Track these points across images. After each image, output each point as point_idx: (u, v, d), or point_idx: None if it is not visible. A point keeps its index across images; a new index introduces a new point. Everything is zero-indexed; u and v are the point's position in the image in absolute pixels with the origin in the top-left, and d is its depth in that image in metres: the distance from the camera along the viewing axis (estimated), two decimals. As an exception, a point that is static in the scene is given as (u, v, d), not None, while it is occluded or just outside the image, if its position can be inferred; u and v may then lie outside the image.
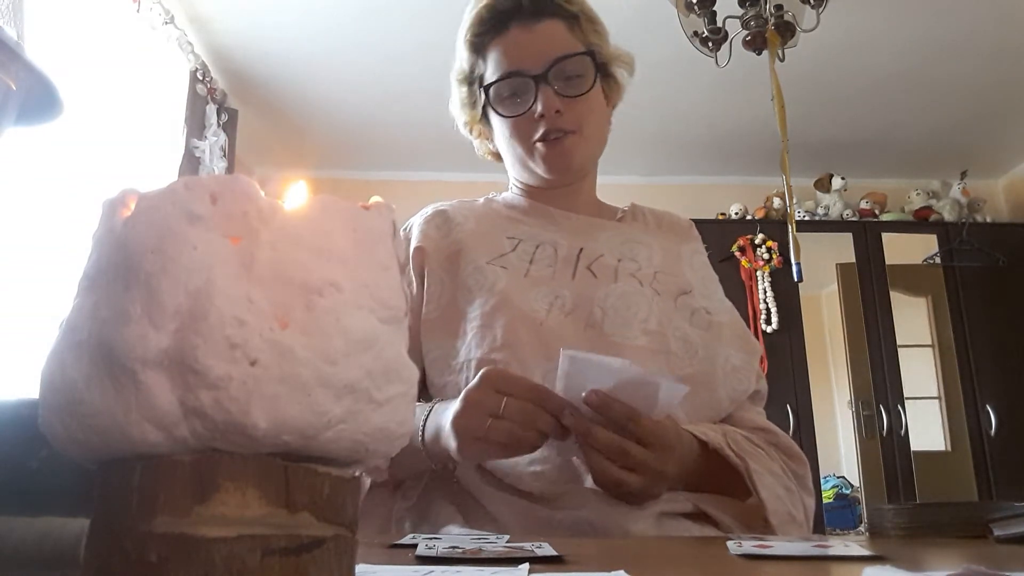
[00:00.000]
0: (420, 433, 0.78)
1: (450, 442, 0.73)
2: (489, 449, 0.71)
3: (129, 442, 0.26)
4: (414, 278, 0.93)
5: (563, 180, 0.99)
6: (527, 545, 0.49)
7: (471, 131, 1.06)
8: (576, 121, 0.94)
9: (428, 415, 0.79)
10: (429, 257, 0.93)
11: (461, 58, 1.00)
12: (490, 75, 0.96)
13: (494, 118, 0.98)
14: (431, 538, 0.55)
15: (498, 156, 1.06)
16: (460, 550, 0.46)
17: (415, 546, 0.49)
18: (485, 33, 0.96)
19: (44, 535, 0.36)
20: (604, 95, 1.00)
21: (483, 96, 0.97)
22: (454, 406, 0.73)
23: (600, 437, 0.71)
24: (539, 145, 0.95)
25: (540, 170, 0.96)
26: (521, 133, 0.95)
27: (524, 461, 0.78)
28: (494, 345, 0.83)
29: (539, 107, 0.92)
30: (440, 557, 0.44)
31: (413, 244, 0.95)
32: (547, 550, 0.46)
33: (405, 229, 1.00)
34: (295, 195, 0.30)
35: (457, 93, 1.02)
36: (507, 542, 0.52)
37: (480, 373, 0.73)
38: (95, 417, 0.26)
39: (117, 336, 0.26)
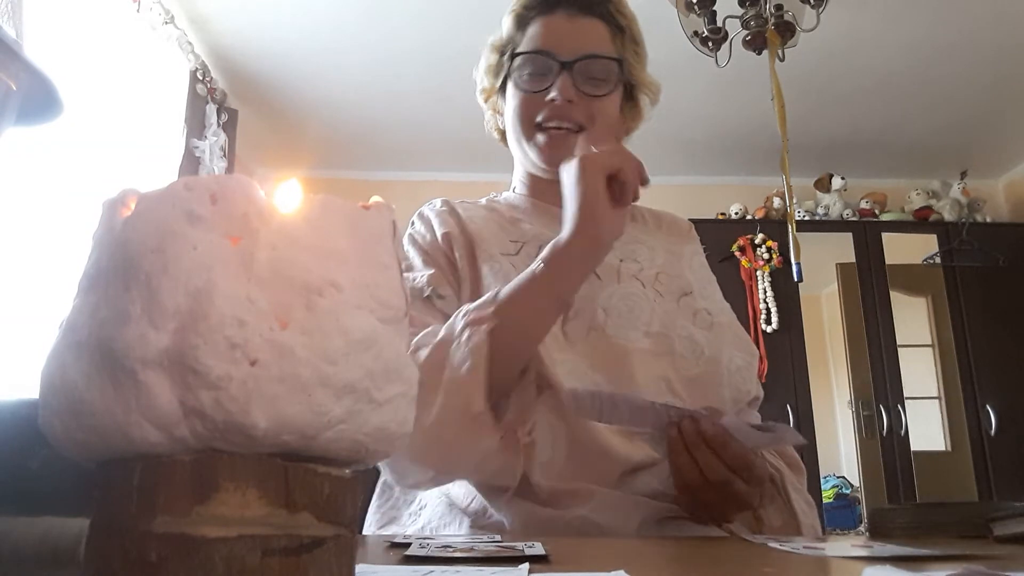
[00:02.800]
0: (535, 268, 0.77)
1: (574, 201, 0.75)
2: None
3: (129, 442, 0.26)
4: (444, 262, 0.92)
5: (555, 174, 0.99)
6: (518, 544, 0.49)
7: (486, 100, 1.05)
8: (587, 117, 0.94)
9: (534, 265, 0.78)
10: (456, 243, 0.93)
11: (503, 26, 1.00)
12: (522, 48, 0.96)
13: (509, 91, 0.98)
14: (424, 538, 0.55)
15: (504, 137, 1.06)
16: (452, 549, 0.47)
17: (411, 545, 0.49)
18: (532, 8, 0.96)
19: (44, 535, 0.36)
20: (623, 115, 1.01)
21: (508, 65, 0.97)
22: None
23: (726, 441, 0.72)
24: (539, 135, 0.95)
25: (534, 156, 0.96)
26: (528, 111, 0.95)
27: (535, 460, 0.78)
28: None
29: (554, 92, 0.92)
30: (432, 556, 0.44)
31: (440, 230, 0.94)
32: (537, 549, 0.46)
33: (421, 216, 0.99)
34: (287, 193, 0.30)
35: (486, 59, 1.02)
36: (499, 542, 0.53)
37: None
38: (95, 417, 0.26)
39: (117, 336, 0.26)
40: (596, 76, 0.93)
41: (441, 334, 0.76)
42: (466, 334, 0.74)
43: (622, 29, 0.97)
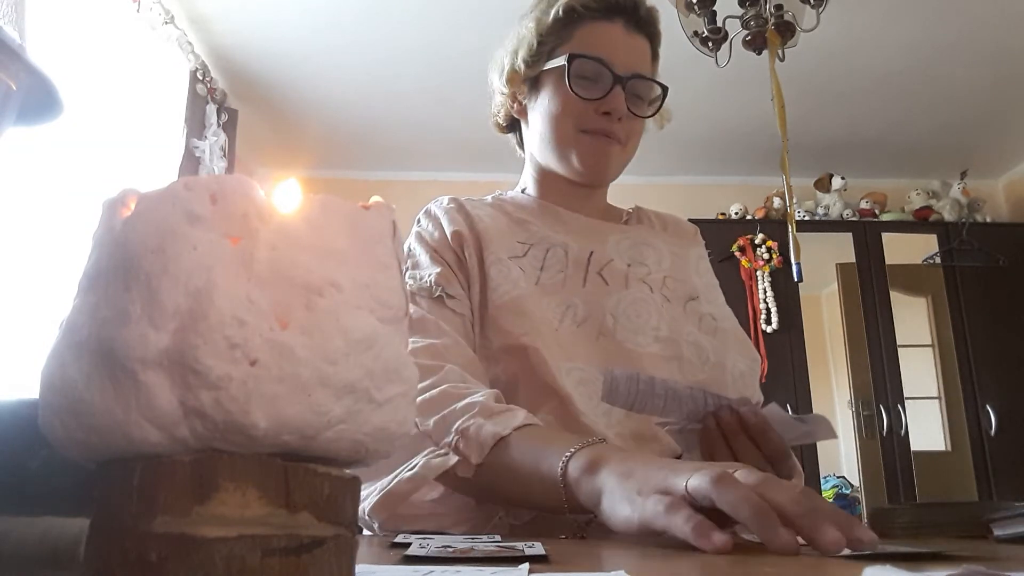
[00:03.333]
0: (562, 468, 0.64)
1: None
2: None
3: (129, 442, 0.26)
4: (453, 260, 0.91)
5: (589, 180, 0.98)
6: (518, 544, 0.49)
7: (508, 82, 1.01)
8: (627, 135, 0.95)
9: (575, 450, 0.65)
10: (467, 242, 0.92)
11: (548, 12, 0.96)
12: (576, 49, 0.94)
13: (552, 88, 0.96)
14: (424, 538, 0.55)
15: (509, 124, 1.05)
16: (452, 549, 0.47)
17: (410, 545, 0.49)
18: (591, 9, 0.94)
19: (44, 535, 0.36)
20: None
21: (560, 62, 0.94)
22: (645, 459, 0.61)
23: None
24: (584, 137, 0.94)
25: (575, 160, 0.95)
26: (571, 116, 0.94)
27: None
28: (522, 330, 0.83)
29: (613, 103, 0.92)
30: (432, 556, 0.44)
31: (449, 228, 0.93)
32: (537, 549, 0.46)
33: (428, 214, 0.97)
34: (286, 193, 0.30)
35: (526, 43, 0.98)
36: (498, 542, 0.53)
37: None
38: (95, 417, 0.26)
39: (117, 336, 0.26)
40: (641, 96, 0.95)
41: (432, 421, 0.75)
42: (443, 444, 0.74)
43: (657, 55, 0.99)
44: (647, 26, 0.96)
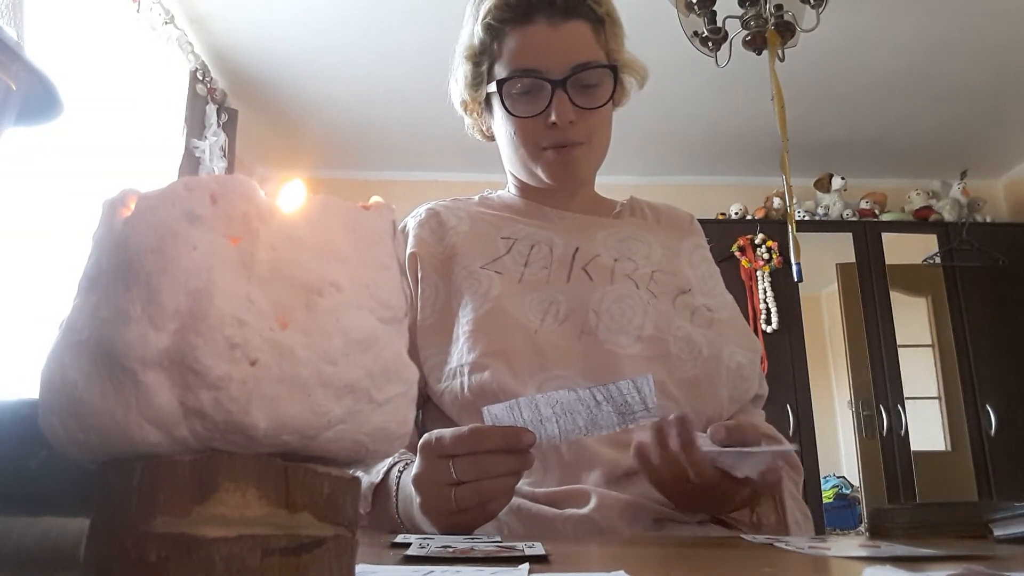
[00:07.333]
0: (395, 509, 0.74)
1: (430, 528, 0.68)
2: (473, 516, 0.66)
3: (129, 442, 0.26)
4: (409, 283, 0.92)
5: (566, 189, 0.98)
6: (518, 545, 0.49)
7: (466, 110, 1.01)
8: (587, 133, 0.92)
9: (396, 493, 0.75)
10: (423, 262, 0.92)
11: (472, 34, 0.94)
12: (504, 65, 0.91)
13: (500, 114, 0.95)
14: (424, 538, 0.55)
15: (489, 137, 1.04)
16: (452, 549, 0.47)
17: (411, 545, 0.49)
18: (507, 20, 0.90)
19: (44, 535, 0.36)
20: (612, 101, 0.96)
21: (494, 88, 0.92)
22: (416, 496, 0.69)
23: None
24: (547, 153, 0.93)
25: (544, 176, 0.95)
26: (528, 136, 0.93)
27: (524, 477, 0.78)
28: (486, 350, 0.82)
29: (553, 116, 0.89)
30: (432, 556, 0.44)
31: (408, 249, 0.93)
32: (537, 549, 0.46)
33: (402, 231, 0.98)
34: (291, 194, 0.30)
35: (461, 69, 0.97)
36: (498, 542, 0.53)
37: (419, 447, 0.68)
38: (95, 417, 0.26)
39: (117, 336, 0.26)
40: (590, 83, 0.91)
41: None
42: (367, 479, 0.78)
43: (602, 20, 0.93)
44: (575, 8, 0.90)
